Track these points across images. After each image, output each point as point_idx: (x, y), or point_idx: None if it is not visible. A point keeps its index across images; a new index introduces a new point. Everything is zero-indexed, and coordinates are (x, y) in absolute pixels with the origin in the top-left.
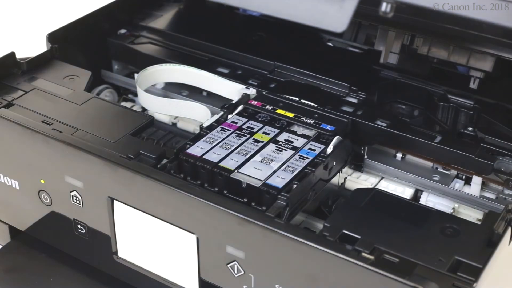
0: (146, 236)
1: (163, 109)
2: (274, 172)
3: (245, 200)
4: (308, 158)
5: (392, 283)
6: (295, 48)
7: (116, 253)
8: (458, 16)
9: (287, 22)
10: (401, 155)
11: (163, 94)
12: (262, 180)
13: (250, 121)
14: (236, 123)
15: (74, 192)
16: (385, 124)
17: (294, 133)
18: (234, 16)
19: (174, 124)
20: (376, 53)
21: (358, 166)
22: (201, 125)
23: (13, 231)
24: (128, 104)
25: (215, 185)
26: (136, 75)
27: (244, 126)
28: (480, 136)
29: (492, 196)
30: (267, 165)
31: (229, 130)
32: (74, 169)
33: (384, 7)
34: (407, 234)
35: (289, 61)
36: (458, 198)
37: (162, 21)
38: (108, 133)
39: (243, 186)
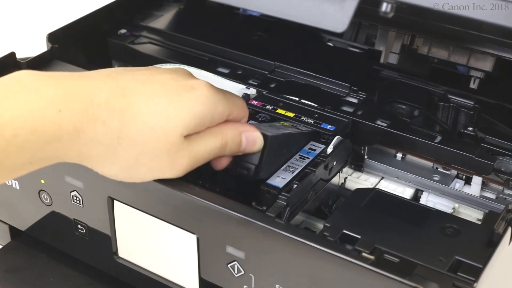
0: (146, 236)
1: None
2: (275, 171)
3: (246, 200)
4: (308, 158)
5: (393, 283)
6: (295, 48)
7: (116, 253)
8: (458, 16)
9: (287, 22)
10: (401, 155)
11: None
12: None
13: (250, 121)
14: None
15: (74, 192)
16: (385, 124)
17: None
18: (234, 16)
19: None
20: (376, 53)
21: (358, 166)
22: None
23: (13, 231)
24: None
25: (216, 185)
26: None
27: None
28: (480, 136)
29: (492, 196)
30: None
31: None
32: (74, 169)
33: (385, 7)
34: (407, 234)
35: (289, 61)
36: (458, 198)
37: (162, 21)
38: None
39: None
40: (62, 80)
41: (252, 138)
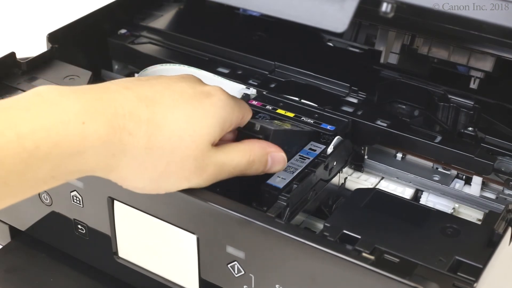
0: (146, 236)
1: None
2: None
3: (246, 200)
4: (308, 158)
5: (393, 283)
6: (295, 48)
7: (116, 253)
8: (458, 16)
9: (287, 22)
10: (401, 155)
11: None
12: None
13: (250, 120)
14: None
15: (74, 192)
16: (385, 124)
17: None
18: (234, 16)
19: None
20: (376, 53)
21: (359, 166)
22: None
23: (13, 231)
24: None
25: (217, 185)
26: (136, 75)
27: None
28: (480, 136)
29: (492, 196)
30: None
31: None
32: None
33: (385, 7)
34: (407, 234)
35: (289, 61)
36: (458, 198)
37: (162, 21)
38: None
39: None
40: (82, 93)
41: (277, 159)
